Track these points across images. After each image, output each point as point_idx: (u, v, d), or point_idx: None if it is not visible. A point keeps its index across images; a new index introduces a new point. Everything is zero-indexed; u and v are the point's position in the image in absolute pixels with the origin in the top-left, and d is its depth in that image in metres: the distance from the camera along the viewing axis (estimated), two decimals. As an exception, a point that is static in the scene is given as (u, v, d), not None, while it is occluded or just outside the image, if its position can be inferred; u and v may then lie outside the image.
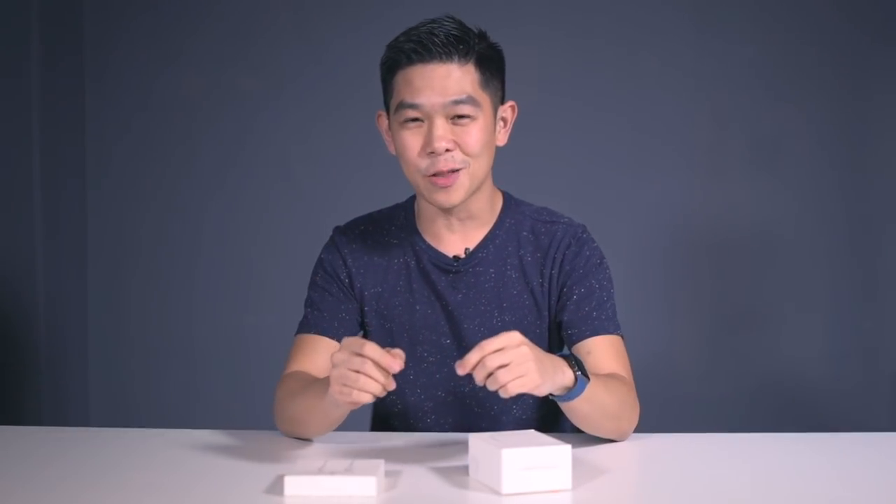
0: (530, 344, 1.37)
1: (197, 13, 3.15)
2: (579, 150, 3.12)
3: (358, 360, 1.34)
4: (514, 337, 1.35)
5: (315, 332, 1.68)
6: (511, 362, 1.34)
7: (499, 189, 1.73)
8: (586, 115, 3.11)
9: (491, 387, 1.34)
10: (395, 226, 1.73)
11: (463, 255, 1.69)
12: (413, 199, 1.75)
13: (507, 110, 1.66)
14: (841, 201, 3.13)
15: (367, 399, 1.36)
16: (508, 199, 1.74)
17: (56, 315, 2.98)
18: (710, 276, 3.16)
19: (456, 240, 1.69)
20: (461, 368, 1.34)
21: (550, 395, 1.45)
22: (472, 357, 1.34)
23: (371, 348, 1.35)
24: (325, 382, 1.43)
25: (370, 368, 1.34)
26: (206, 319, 3.16)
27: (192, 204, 3.16)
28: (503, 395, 1.34)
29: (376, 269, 1.70)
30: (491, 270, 1.68)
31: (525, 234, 1.70)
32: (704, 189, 3.16)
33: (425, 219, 1.70)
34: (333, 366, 1.37)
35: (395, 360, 1.35)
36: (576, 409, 1.50)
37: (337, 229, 1.75)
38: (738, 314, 3.17)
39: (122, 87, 3.15)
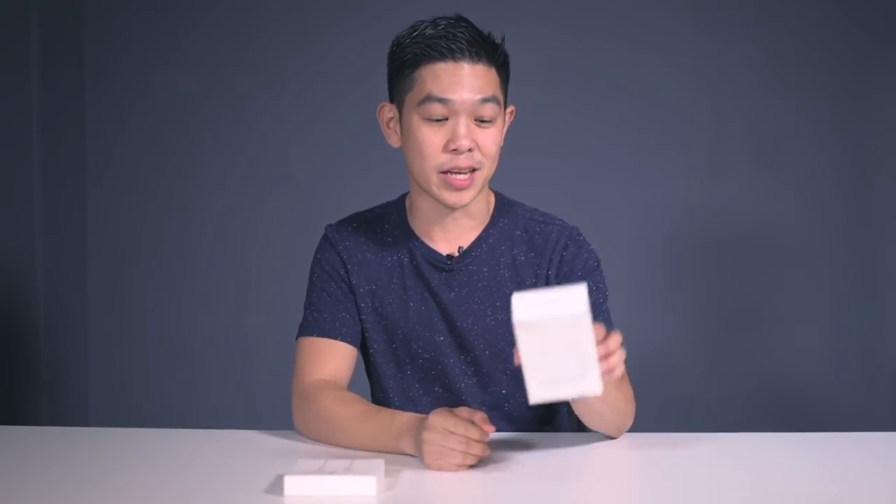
0: None
1: (197, 13, 3.15)
2: (579, 150, 3.12)
3: (454, 438, 1.39)
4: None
5: (317, 335, 1.68)
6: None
7: (491, 189, 1.74)
8: (586, 114, 3.11)
9: (606, 375, 1.34)
10: (388, 224, 1.73)
11: (456, 254, 1.69)
12: (404, 197, 1.75)
13: (508, 115, 1.68)
14: (841, 201, 3.13)
15: (465, 468, 1.41)
16: (501, 199, 1.74)
17: (56, 315, 2.98)
18: (709, 276, 3.16)
19: (450, 238, 1.70)
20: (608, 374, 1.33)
21: None
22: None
23: (465, 428, 1.40)
24: (377, 427, 1.51)
25: (468, 445, 1.40)
26: (206, 319, 3.16)
27: (193, 204, 3.16)
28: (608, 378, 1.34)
29: (370, 266, 1.71)
30: (484, 269, 1.69)
31: (518, 233, 1.71)
32: (704, 188, 3.16)
33: (419, 217, 1.70)
34: (426, 442, 1.40)
35: (488, 427, 1.42)
36: (591, 405, 1.51)
37: (329, 227, 1.76)
38: (737, 314, 3.17)
39: (122, 87, 3.15)
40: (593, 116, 3.11)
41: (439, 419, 1.41)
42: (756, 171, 3.15)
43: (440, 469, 1.40)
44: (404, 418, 1.50)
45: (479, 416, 1.42)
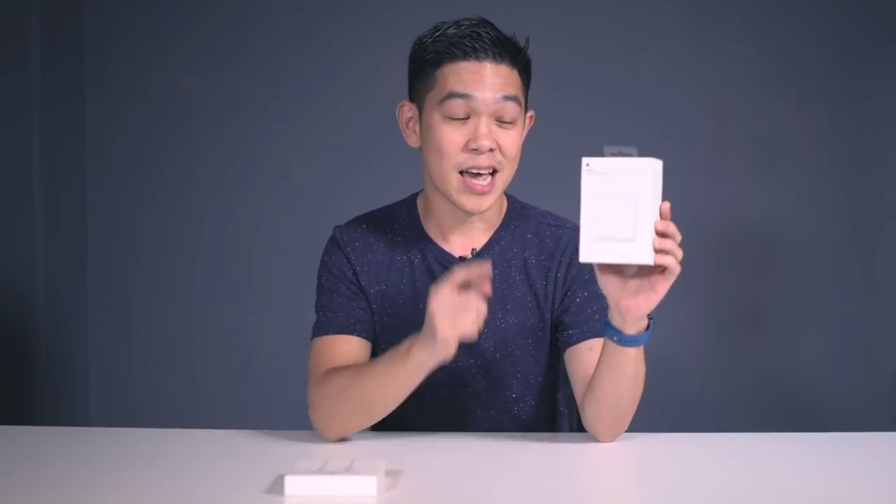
0: None
1: (197, 13, 3.15)
2: (579, 150, 3.11)
3: (459, 300, 1.42)
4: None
5: (333, 333, 1.67)
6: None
7: (504, 192, 1.73)
8: (586, 114, 3.11)
9: (658, 257, 1.35)
10: (398, 224, 1.73)
11: (469, 256, 1.69)
12: (415, 196, 1.75)
13: (528, 119, 1.67)
14: (841, 200, 3.13)
15: (476, 330, 1.43)
16: (513, 202, 1.74)
17: (56, 315, 2.98)
18: (710, 276, 3.16)
19: (462, 240, 1.69)
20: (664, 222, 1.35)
21: (615, 336, 1.46)
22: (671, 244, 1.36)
23: (464, 294, 1.43)
24: (387, 360, 1.52)
25: (473, 299, 1.43)
26: (206, 319, 3.16)
27: (193, 204, 3.16)
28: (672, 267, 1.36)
29: (378, 266, 1.70)
30: (495, 272, 1.68)
31: (530, 236, 1.71)
32: (705, 188, 3.16)
33: (433, 218, 1.70)
34: (436, 314, 1.42)
35: (485, 268, 1.45)
36: (625, 364, 1.50)
37: (337, 228, 1.75)
38: (737, 313, 3.17)
39: (122, 87, 3.15)
40: (593, 116, 3.11)
41: (438, 290, 1.44)
42: (756, 170, 3.15)
43: (460, 336, 1.42)
44: (406, 339, 1.51)
45: (474, 269, 1.45)
